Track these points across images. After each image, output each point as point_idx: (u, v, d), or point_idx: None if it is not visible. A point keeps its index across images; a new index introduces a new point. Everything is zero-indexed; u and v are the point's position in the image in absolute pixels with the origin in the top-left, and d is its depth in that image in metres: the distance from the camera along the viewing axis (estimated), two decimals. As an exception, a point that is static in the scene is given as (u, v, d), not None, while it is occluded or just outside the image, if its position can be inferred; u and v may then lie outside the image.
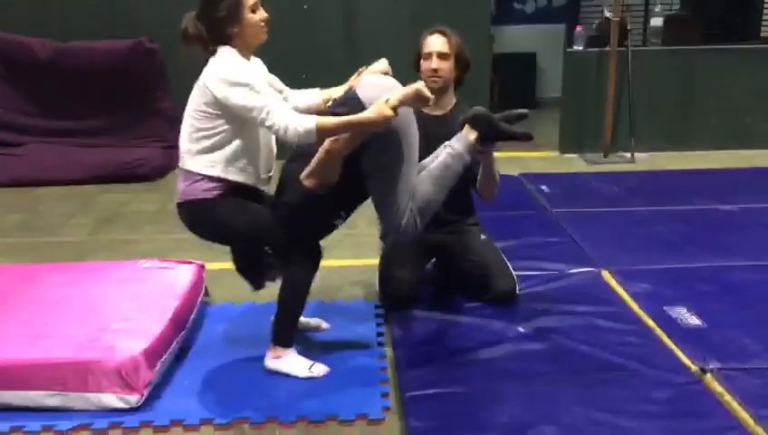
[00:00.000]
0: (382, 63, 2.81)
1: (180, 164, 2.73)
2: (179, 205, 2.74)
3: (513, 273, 3.35)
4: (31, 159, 5.80)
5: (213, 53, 2.65)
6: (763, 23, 7.31)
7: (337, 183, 2.63)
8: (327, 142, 2.57)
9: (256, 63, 2.79)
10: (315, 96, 2.91)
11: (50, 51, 5.88)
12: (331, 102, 2.81)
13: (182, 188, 2.71)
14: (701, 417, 2.41)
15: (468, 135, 2.78)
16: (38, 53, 5.87)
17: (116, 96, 6.01)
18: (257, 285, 2.99)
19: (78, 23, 6.03)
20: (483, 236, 3.43)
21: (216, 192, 2.66)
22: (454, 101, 3.33)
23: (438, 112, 3.28)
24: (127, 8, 6.12)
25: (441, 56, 3.19)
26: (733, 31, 7.05)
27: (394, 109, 2.47)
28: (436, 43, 3.20)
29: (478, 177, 3.12)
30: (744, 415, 2.39)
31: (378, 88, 2.62)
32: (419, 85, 2.52)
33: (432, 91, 3.18)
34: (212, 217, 2.69)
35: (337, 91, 2.86)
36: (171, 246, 4.07)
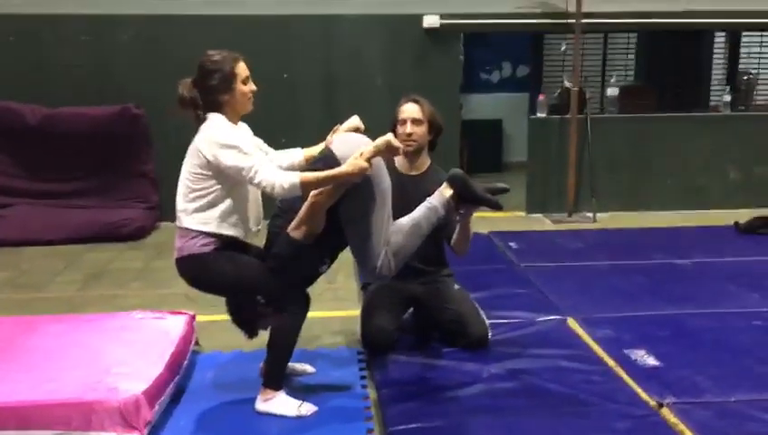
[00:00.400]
0: (354, 120, 3.10)
1: (177, 223, 2.96)
2: (178, 260, 2.96)
3: (486, 320, 3.60)
4: (17, 220, 5.95)
5: (203, 119, 2.92)
6: (712, 93, 7.85)
7: (321, 233, 2.88)
8: (311, 196, 2.83)
9: (243, 128, 3.07)
10: (298, 154, 3.17)
11: (39, 116, 6.11)
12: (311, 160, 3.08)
13: (180, 244, 2.94)
14: (659, 444, 2.65)
15: (445, 192, 3.07)
16: (28, 118, 6.09)
17: (102, 159, 6.23)
18: (251, 333, 3.19)
19: (66, 90, 6.29)
20: (456, 286, 3.69)
21: (211, 247, 2.89)
22: (428, 162, 3.63)
23: (414, 173, 3.58)
24: (114, 76, 6.40)
25: (415, 122, 3.49)
26: (684, 100, 7.55)
27: (368, 160, 2.75)
28: (410, 109, 3.51)
29: (454, 234, 3.40)
30: (697, 442, 2.64)
31: (350, 144, 2.90)
32: (389, 137, 2.82)
33: (407, 154, 3.51)
34: (209, 270, 2.92)
35: (318, 150, 3.12)
36: (157, 301, 4.25)
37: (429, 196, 3.12)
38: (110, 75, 6.41)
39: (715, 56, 7.92)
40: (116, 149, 6.21)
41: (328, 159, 2.87)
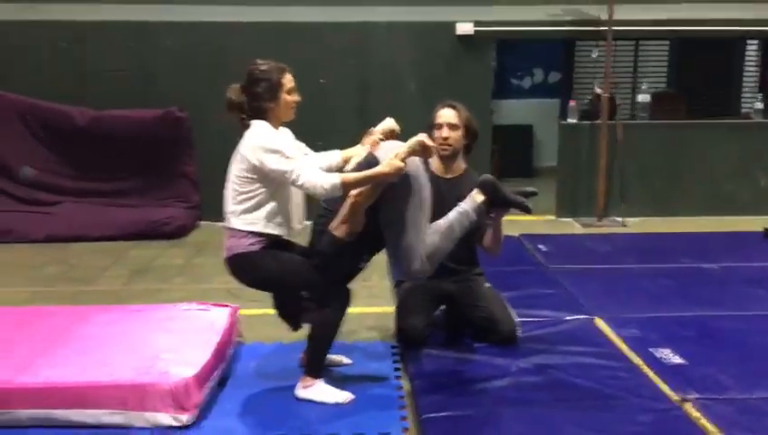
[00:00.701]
0: (389, 122, 3.25)
1: (226, 223, 3.15)
2: (228, 259, 3.15)
3: (515, 318, 3.73)
4: (65, 217, 6.23)
5: (247, 126, 3.11)
6: (743, 100, 7.88)
7: (361, 231, 3.05)
8: (351, 196, 3.00)
9: (285, 132, 3.25)
10: (337, 156, 3.33)
11: (87, 118, 6.39)
12: (352, 162, 3.23)
13: (229, 244, 3.13)
14: (680, 436, 2.77)
15: (476, 197, 3.22)
16: (76, 120, 6.38)
17: (145, 160, 6.50)
18: (295, 326, 3.38)
19: (112, 93, 6.56)
20: (487, 285, 3.83)
21: (258, 246, 3.08)
22: (463, 166, 3.78)
23: (449, 176, 3.73)
24: (157, 80, 6.66)
25: (451, 126, 3.64)
26: (715, 106, 7.59)
27: (403, 160, 2.91)
28: (446, 114, 3.66)
29: (485, 236, 3.54)
30: (717, 435, 2.76)
31: (393, 150, 3.06)
32: (422, 137, 2.98)
33: (442, 158, 3.66)
34: (256, 267, 3.10)
35: (355, 151, 3.27)
36: (200, 295, 4.44)
37: (463, 199, 3.27)
38: (153, 80, 6.68)
39: (746, 63, 7.94)
40: (159, 150, 6.46)
41: (372, 164, 3.04)
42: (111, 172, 6.51)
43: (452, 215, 3.20)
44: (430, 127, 3.67)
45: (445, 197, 3.45)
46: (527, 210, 3.28)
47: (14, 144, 6.44)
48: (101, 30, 6.63)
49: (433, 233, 3.12)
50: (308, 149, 3.33)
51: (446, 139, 3.62)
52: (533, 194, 3.31)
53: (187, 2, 6.78)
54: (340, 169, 3.16)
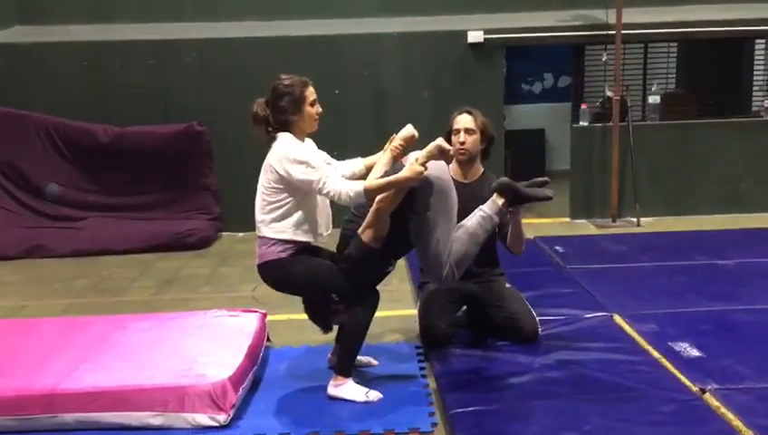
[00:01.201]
0: (409, 129, 3.34)
1: (257, 232, 3.29)
2: (260, 266, 3.29)
3: (536, 317, 3.84)
4: (91, 231, 6.41)
5: (273, 138, 3.23)
6: (754, 98, 7.94)
7: (387, 236, 3.18)
8: (376, 202, 3.13)
9: (309, 143, 3.39)
10: (359, 164, 3.47)
11: (110, 135, 6.57)
12: (375, 169, 3.32)
13: (260, 251, 3.26)
14: (702, 424, 2.87)
15: (497, 200, 3.34)
16: (100, 137, 6.56)
17: (168, 173, 6.66)
18: (326, 328, 3.50)
19: (133, 110, 6.74)
20: (508, 285, 3.94)
21: (287, 252, 3.21)
22: (481, 170, 3.89)
23: (467, 180, 3.84)
24: (176, 96, 6.83)
25: (468, 132, 3.76)
26: (726, 106, 7.65)
27: (423, 164, 3.04)
28: (463, 120, 3.78)
29: (508, 235, 3.66)
30: (737, 423, 2.85)
31: (415, 156, 3.19)
32: (439, 141, 3.11)
33: (460, 162, 3.79)
34: (287, 273, 3.24)
35: (376, 159, 3.38)
36: (227, 303, 4.58)
37: (483, 201, 3.39)
38: (173, 95, 6.85)
39: (756, 63, 8.01)
40: (180, 164, 6.62)
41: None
42: (135, 187, 6.68)
43: (475, 220, 3.31)
44: (448, 133, 3.79)
45: (464, 201, 3.56)
46: (547, 198, 3.38)
47: (41, 162, 6.63)
48: (122, 49, 6.82)
49: (457, 240, 3.22)
50: (331, 159, 3.46)
51: (462, 143, 3.74)
52: (546, 183, 3.42)
53: (204, 19, 6.98)
54: (363, 177, 3.29)
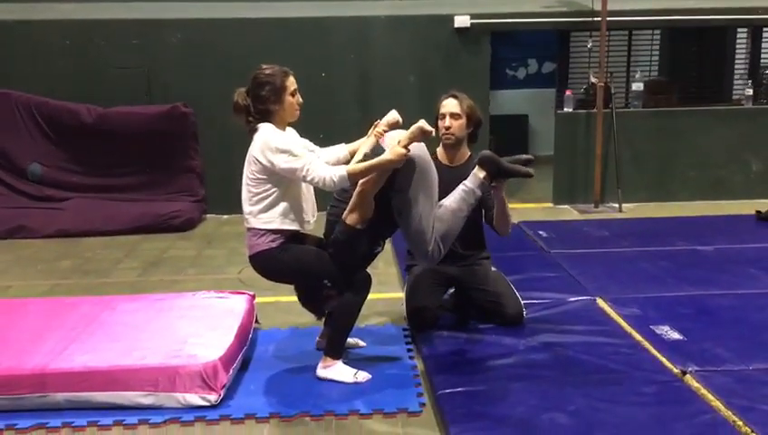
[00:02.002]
0: (393, 114, 3.36)
1: (246, 224, 3.29)
2: (251, 257, 3.30)
3: (521, 300, 3.90)
4: (74, 212, 6.37)
5: (254, 130, 3.22)
6: (735, 86, 8.05)
7: (373, 218, 3.20)
8: (359, 185, 3.15)
9: (291, 132, 3.38)
10: (343, 150, 3.47)
11: (94, 115, 6.51)
12: (358, 153, 3.34)
13: (250, 243, 3.28)
14: (682, 404, 2.95)
15: (478, 173, 3.37)
16: (83, 117, 6.50)
17: (152, 155, 6.63)
18: (319, 314, 3.53)
19: (118, 90, 6.68)
20: (493, 269, 4.00)
21: (277, 242, 3.23)
22: (468, 154, 3.92)
23: (454, 164, 3.88)
24: (162, 77, 6.78)
25: (453, 116, 3.77)
26: (707, 94, 7.75)
27: (405, 147, 3.06)
28: (449, 105, 3.79)
29: (494, 214, 3.69)
30: (717, 404, 2.93)
31: (396, 138, 3.20)
32: (421, 123, 3.12)
33: (446, 147, 3.82)
34: (278, 262, 3.25)
35: (359, 144, 3.38)
36: (214, 285, 4.59)
37: None
38: (157, 76, 6.80)
39: (737, 51, 8.11)
40: (165, 145, 6.60)
41: (378, 154, 3.17)
42: (119, 168, 6.65)
43: (458, 194, 3.33)
44: (436, 117, 3.81)
45: (450, 183, 3.59)
46: (529, 175, 3.40)
47: (23, 142, 6.57)
48: (106, 27, 6.75)
49: (441, 216, 3.26)
50: (313, 146, 3.45)
51: (448, 128, 3.76)
52: (530, 161, 3.43)
53: (191, -1, 6.92)
54: (347, 162, 3.30)
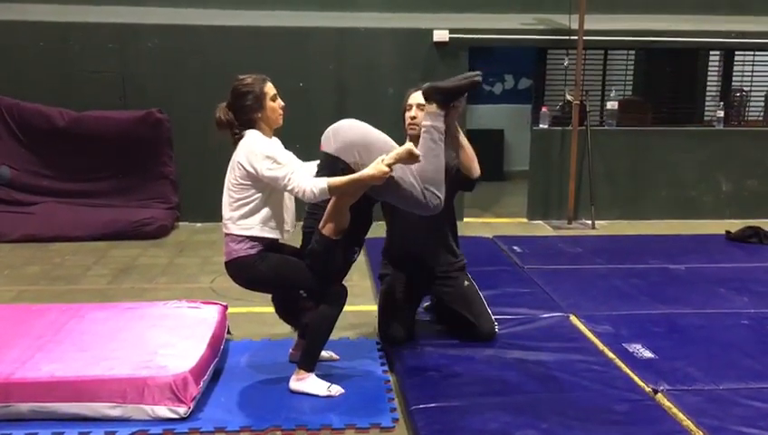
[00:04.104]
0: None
1: (224, 230, 3.26)
2: (227, 263, 3.26)
3: (493, 317, 3.88)
4: (44, 217, 6.25)
5: (240, 137, 3.21)
6: (707, 107, 8.19)
7: (348, 227, 3.18)
8: (335, 197, 3.13)
9: (276, 141, 3.36)
10: None
11: (67, 119, 6.41)
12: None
13: (228, 249, 3.24)
14: (654, 423, 2.96)
15: (428, 108, 3.27)
16: (56, 120, 6.40)
17: (126, 161, 6.54)
18: (296, 325, 3.49)
19: (92, 94, 6.58)
20: (467, 283, 3.93)
21: (255, 249, 3.20)
22: None
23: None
24: (137, 82, 6.71)
25: (419, 107, 3.61)
26: (679, 114, 7.87)
27: (389, 166, 3.04)
28: (416, 97, 3.66)
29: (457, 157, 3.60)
30: (687, 423, 2.95)
31: (339, 136, 3.17)
32: (410, 146, 3.08)
33: (412, 137, 3.78)
34: (255, 270, 3.22)
35: None
36: (186, 294, 4.53)
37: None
38: (133, 81, 6.72)
39: (709, 73, 8.26)
40: (139, 151, 6.51)
41: (331, 165, 3.14)
42: (91, 173, 6.54)
43: (422, 140, 3.23)
44: (402, 112, 3.74)
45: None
46: (475, 83, 3.28)
47: (-8, 144, 6.44)
48: (81, 31, 6.66)
49: (420, 164, 3.15)
50: (297, 159, 3.40)
51: (413, 118, 3.67)
52: (477, 75, 3.30)
53: (169, 5, 6.86)
54: None
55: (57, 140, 6.42)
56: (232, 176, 3.20)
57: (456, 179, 3.71)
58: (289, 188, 3.09)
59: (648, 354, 3.62)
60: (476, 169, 3.73)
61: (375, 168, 3.03)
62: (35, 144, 6.48)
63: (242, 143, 3.19)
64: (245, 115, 3.19)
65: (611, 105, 7.35)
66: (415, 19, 7.03)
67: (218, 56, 6.59)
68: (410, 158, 3.08)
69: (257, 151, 3.11)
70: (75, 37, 6.66)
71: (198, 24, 6.79)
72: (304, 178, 3.10)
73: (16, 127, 6.48)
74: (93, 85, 6.61)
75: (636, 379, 3.36)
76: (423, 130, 3.27)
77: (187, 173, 6.70)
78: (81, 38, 6.66)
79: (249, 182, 3.15)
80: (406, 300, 3.85)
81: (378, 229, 4.84)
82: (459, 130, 3.60)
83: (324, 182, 3.06)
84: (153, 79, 6.72)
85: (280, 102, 3.27)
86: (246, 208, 3.17)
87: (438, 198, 3.19)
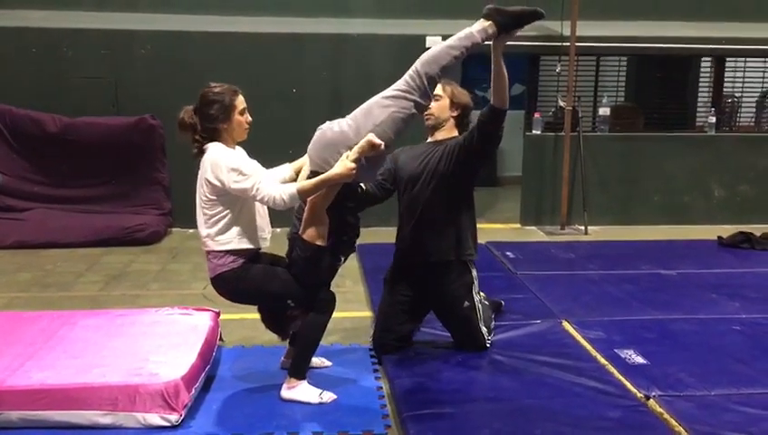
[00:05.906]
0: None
1: (204, 248, 3.24)
2: (213, 279, 3.25)
3: (485, 332, 3.77)
4: (36, 223, 6.23)
5: (202, 151, 3.15)
6: (698, 113, 8.23)
7: (330, 233, 3.16)
8: (309, 201, 3.11)
9: (240, 151, 3.31)
10: (287, 170, 3.39)
11: (59, 125, 6.40)
12: (305, 171, 3.21)
13: (211, 266, 3.23)
14: (646, 430, 2.97)
15: (484, 23, 3.17)
16: (48, 126, 6.38)
17: (118, 167, 6.53)
18: (283, 335, 3.48)
19: (85, 100, 6.57)
20: (466, 303, 3.73)
21: (238, 262, 3.18)
22: (454, 133, 3.80)
23: (436, 139, 3.81)
24: (130, 88, 6.70)
25: (434, 97, 3.59)
26: (671, 120, 7.91)
27: (354, 161, 3.00)
28: None
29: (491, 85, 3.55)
30: (679, 429, 2.95)
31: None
32: (370, 136, 3.02)
33: (428, 128, 3.78)
34: (240, 282, 3.20)
35: (305, 161, 3.27)
36: (178, 301, 4.50)
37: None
38: (125, 87, 6.71)
39: (701, 80, 8.30)
40: (132, 157, 6.50)
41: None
42: (84, 179, 6.53)
43: (457, 35, 3.14)
44: None
45: (427, 155, 3.68)
46: (538, 14, 3.18)
47: (-17, 150, 6.42)
48: (74, 37, 6.65)
49: (436, 47, 3.10)
50: (261, 168, 3.32)
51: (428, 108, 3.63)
52: (539, 9, 3.20)
53: (162, 11, 6.85)
54: (293, 181, 3.24)
55: (49, 147, 6.41)
56: (201, 193, 3.17)
57: (480, 133, 3.63)
58: (258, 197, 3.07)
59: (640, 360, 3.63)
60: (504, 101, 3.61)
61: (341, 165, 2.98)
62: (28, 150, 6.47)
63: (205, 158, 3.14)
64: (210, 123, 3.14)
65: (603, 111, 7.38)
66: (407, 25, 7.04)
67: (211, 62, 6.58)
68: (373, 149, 3.02)
69: (221, 164, 3.08)
70: (68, 43, 6.64)
71: (191, 31, 6.78)
72: (272, 185, 3.08)
73: (8, 133, 6.46)
74: (86, 91, 6.59)
75: (628, 385, 3.36)
76: (466, 30, 3.14)
77: (180, 179, 6.66)
78: (73, 44, 6.65)
79: (216, 197, 3.12)
80: (407, 319, 3.79)
81: (371, 236, 4.88)
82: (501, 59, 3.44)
83: (293, 187, 3.04)
84: (146, 85, 6.71)
85: (248, 117, 3.23)
86: (222, 223, 3.15)
87: (433, 79, 3.13)
